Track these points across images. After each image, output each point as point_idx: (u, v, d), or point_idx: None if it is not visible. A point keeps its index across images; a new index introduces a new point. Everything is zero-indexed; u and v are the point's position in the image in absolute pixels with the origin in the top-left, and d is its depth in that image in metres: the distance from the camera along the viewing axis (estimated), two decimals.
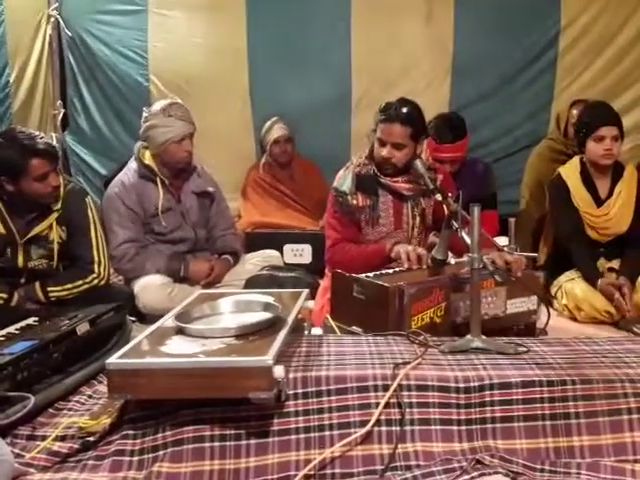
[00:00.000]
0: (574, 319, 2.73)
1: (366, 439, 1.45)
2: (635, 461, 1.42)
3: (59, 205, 2.49)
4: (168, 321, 1.68)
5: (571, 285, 2.77)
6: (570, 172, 2.93)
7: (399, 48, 3.96)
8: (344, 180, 2.50)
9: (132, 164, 2.91)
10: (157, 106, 2.86)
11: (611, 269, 2.78)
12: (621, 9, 3.84)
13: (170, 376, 1.40)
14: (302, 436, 1.46)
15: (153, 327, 1.65)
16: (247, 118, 4.02)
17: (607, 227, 2.85)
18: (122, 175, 2.90)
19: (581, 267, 2.81)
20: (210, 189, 3.00)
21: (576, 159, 2.97)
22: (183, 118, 2.82)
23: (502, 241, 2.96)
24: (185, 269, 2.84)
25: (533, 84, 3.98)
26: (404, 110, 2.39)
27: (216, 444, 1.44)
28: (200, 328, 1.59)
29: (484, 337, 1.74)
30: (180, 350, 1.47)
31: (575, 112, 3.33)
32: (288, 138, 3.83)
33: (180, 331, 1.59)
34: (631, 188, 2.84)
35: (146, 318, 2.66)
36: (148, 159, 2.87)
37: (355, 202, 2.48)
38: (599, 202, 2.86)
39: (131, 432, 1.50)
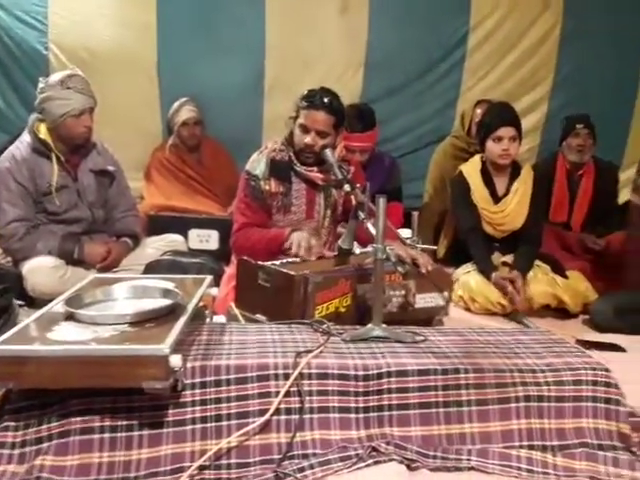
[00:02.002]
0: (469, 310, 2.84)
1: (264, 428, 1.43)
2: (520, 447, 1.50)
3: None
4: (57, 306, 1.58)
5: (467, 277, 2.88)
6: (471, 170, 3.04)
7: (314, 35, 3.95)
8: (257, 164, 2.46)
9: (25, 137, 2.71)
10: (55, 77, 2.67)
11: (505, 263, 2.91)
12: (526, 14, 4.02)
13: (58, 364, 1.32)
14: (198, 426, 1.42)
15: (40, 312, 1.54)
16: (154, 95, 3.87)
17: (503, 223, 2.98)
18: (14, 148, 2.70)
19: (477, 260, 2.92)
20: (110, 168, 2.86)
21: (477, 157, 3.09)
22: (83, 91, 2.65)
23: (405, 233, 3.03)
24: (79, 251, 2.69)
25: (440, 82, 4.10)
26: (329, 99, 2.39)
27: (106, 435, 1.38)
28: (91, 314, 1.50)
29: (384, 326, 1.77)
30: (69, 337, 1.39)
31: (479, 111, 3.47)
32: (197, 121, 3.73)
33: (70, 317, 1.49)
34: (527, 187, 2.98)
35: (35, 302, 2.50)
36: (43, 133, 2.68)
37: (268, 187, 2.44)
38: (497, 199, 2.99)
39: (12, 423, 1.40)
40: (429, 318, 2.24)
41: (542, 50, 4.09)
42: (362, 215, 2.03)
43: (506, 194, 2.99)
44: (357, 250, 2.26)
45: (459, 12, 3.99)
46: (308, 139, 2.38)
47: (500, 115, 2.97)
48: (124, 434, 1.38)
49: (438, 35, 4.02)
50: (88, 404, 1.39)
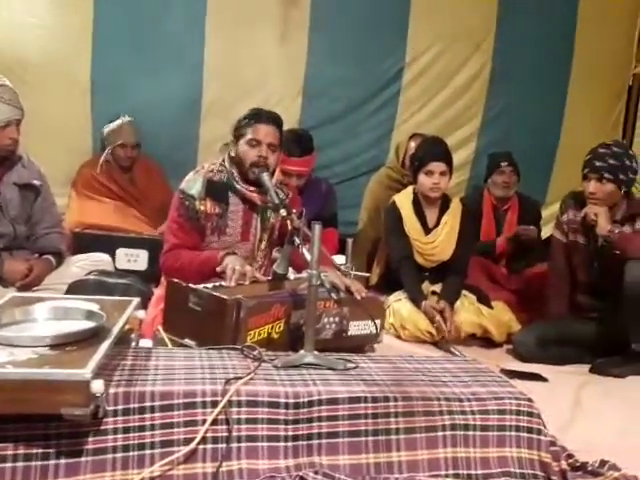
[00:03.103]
0: (399, 337, 2.88)
1: (190, 458, 1.39)
2: (446, 476, 1.51)
3: None
4: None
5: (398, 305, 2.92)
6: (403, 200, 3.11)
7: (253, 61, 3.96)
8: (193, 183, 2.42)
9: None
10: None
11: (434, 292, 2.98)
12: (458, 54, 4.19)
13: None
14: (119, 455, 1.36)
15: None
16: (86, 109, 3.76)
17: (433, 254, 3.06)
18: None
19: (408, 289, 2.97)
20: (35, 182, 2.73)
21: (410, 189, 3.17)
22: (10, 102, 2.54)
23: (339, 259, 3.07)
24: None
25: (377, 114, 4.20)
26: (275, 114, 2.44)
27: (19, 464, 1.30)
28: (8, 335, 1.41)
29: (316, 352, 1.75)
30: None
31: (413, 144, 3.56)
32: (136, 144, 3.65)
33: None
34: (455, 220, 3.08)
35: None
36: None
37: (203, 208, 2.40)
38: (427, 230, 3.07)
39: None
40: (361, 345, 2.25)
41: (472, 89, 4.27)
42: (297, 240, 2.03)
43: (436, 226, 3.07)
44: (292, 275, 2.25)
45: (396, 48, 4.11)
46: (262, 151, 2.38)
47: (432, 150, 3.06)
48: (39, 463, 1.31)
49: (375, 69, 4.12)
50: (1, 431, 1.30)
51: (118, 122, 3.65)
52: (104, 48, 3.72)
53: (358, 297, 2.18)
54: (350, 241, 2.72)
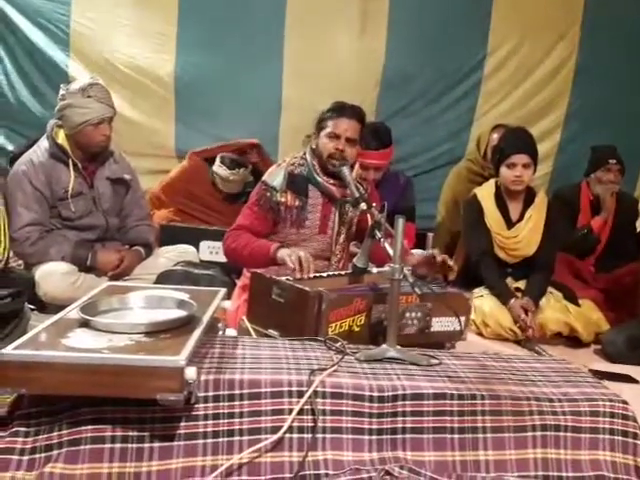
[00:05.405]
0: (480, 334, 2.81)
1: (277, 446, 1.41)
2: (536, 477, 1.47)
3: None
4: (72, 312, 1.56)
5: (480, 301, 2.84)
6: (485, 193, 3.03)
7: (331, 54, 4.00)
8: (275, 176, 2.45)
9: (43, 142, 2.73)
10: (76, 85, 2.70)
11: (517, 289, 2.89)
12: (542, 44, 4.06)
13: (71, 372, 1.30)
14: (210, 441, 1.40)
15: (55, 317, 1.53)
16: (170, 108, 3.91)
17: (516, 249, 2.96)
18: (31, 153, 2.72)
19: (491, 284, 2.89)
20: (126, 176, 2.86)
21: (492, 181, 3.08)
22: (103, 100, 2.67)
23: (417, 254, 3.03)
24: (92, 258, 2.69)
25: (456, 105, 4.13)
26: (358, 108, 2.45)
27: (117, 445, 1.36)
28: (107, 322, 1.49)
29: (399, 347, 1.74)
30: (84, 344, 1.37)
31: (495, 136, 3.46)
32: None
33: (85, 324, 1.48)
34: (541, 214, 2.97)
35: (47, 307, 2.49)
36: (61, 139, 2.70)
37: (283, 200, 2.43)
38: (510, 224, 2.98)
39: (22, 429, 1.38)
40: (441, 341, 2.21)
41: (557, 79, 4.13)
42: (379, 234, 2.02)
43: (520, 220, 2.98)
44: (374, 269, 2.24)
45: (477, 38, 4.03)
46: (340, 144, 2.39)
47: (515, 142, 2.97)
48: (135, 445, 1.36)
49: (455, 59, 4.06)
50: (100, 413, 1.37)
51: (232, 173, 3.67)
52: (187, 47, 3.86)
53: (450, 263, 2.17)
54: (431, 236, 2.67)
